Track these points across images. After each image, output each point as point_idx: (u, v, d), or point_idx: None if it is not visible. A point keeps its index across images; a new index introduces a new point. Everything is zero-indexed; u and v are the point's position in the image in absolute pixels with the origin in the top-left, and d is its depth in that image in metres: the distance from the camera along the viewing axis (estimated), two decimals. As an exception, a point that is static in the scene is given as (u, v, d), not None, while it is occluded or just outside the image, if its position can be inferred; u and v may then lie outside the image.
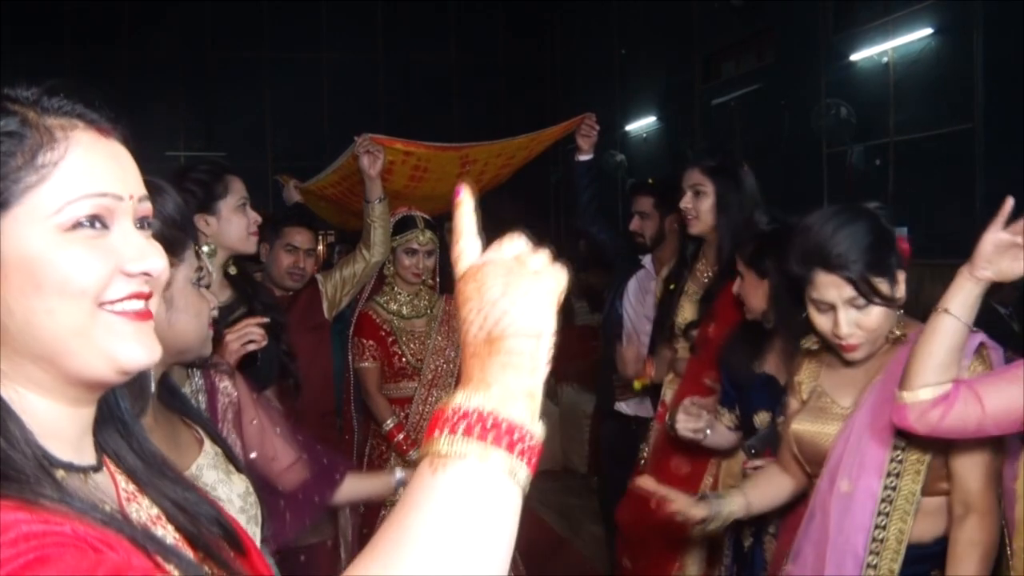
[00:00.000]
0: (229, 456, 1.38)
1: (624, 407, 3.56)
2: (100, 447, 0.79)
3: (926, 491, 1.71)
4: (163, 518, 0.77)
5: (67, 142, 0.71)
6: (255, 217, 2.32)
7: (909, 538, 1.71)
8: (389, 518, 0.64)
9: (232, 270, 2.41)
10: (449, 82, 10.67)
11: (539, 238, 0.74)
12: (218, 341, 1.92)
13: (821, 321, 1.76)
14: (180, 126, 9.26)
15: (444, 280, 3.41)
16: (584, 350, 5.82)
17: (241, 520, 1.30)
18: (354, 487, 2.01)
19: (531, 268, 0.70)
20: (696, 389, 2.68)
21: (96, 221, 0.71)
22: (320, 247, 9.47)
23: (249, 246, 2.34)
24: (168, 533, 0.76)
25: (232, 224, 2.27)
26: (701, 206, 2.70)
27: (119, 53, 9.18)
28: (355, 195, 3.30)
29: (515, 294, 0.68)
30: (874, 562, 1.71)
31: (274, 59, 9.77)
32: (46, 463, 0.67)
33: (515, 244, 0.72)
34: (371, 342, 3.16)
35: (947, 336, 1.54)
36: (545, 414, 0.69)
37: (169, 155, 8.96)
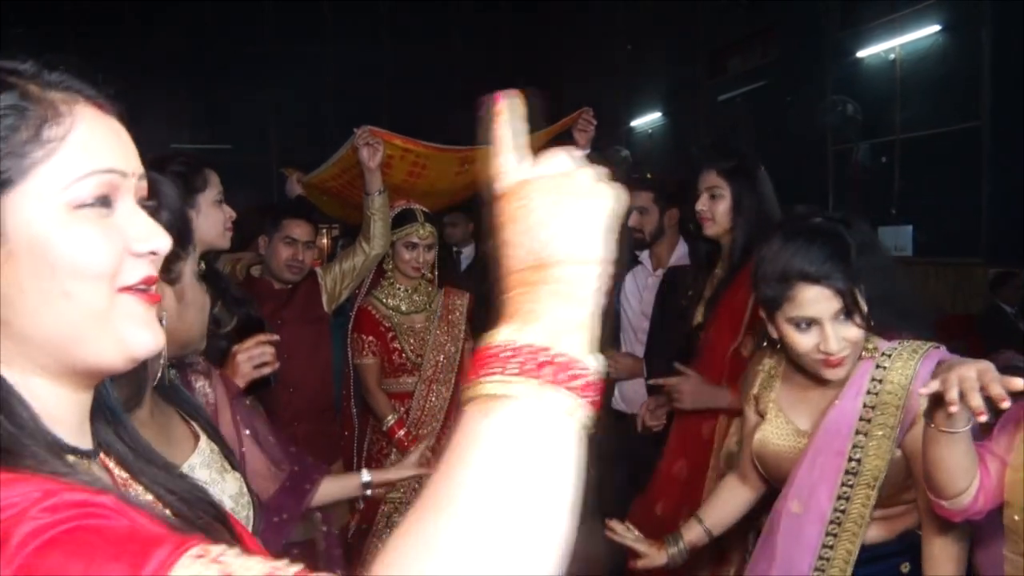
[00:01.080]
0: (226, 454, 1.37)
1: (622, 405, 3.55)
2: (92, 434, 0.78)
3: (884, 504, 1.69)
4: (159, 504, 0.76)
5: (71, 117, 0.68)
6: (230, 213, 2.24)
7: (872, 541, 1.69)
8: (436, 473, 0.56)
9: (200, 265, 2.36)
10: (453, 77, 10.64)
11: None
12: (220, 351, 1.88)
13: (802, 340, 1.66)
14: (186, 119, 9.27)
15: (443, 274, 3.40)
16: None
17: None
18: (322, 490, 1.93)
19: (583, 186, 0.63)
20: None
21: (103, 199, 0.69)
22: (324, 241, 9.50)
23: (224, 241, 2.26)
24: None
25: (209, 219, 2.18)
26: (717, 208, 2.67)
27: (123, 45, 9.18)
28: (356, 188, 3.29)
29: (566, 215, 0.62)
30: (823, 567, 1.70)
31: (279, 53, 9.76)
32: (56, 448, 0.65)
33: (561, 159, 0.65)
34: (371, 338, 3.15)
35: (960, 447, 1.49)
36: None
37: (175, 147, 8.96)
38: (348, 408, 3.31)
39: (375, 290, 3.24)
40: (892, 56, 6.08)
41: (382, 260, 3.19)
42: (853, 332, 1.63)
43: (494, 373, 0.58)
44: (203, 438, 1.35)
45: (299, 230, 3.00)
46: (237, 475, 1.37)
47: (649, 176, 3.87)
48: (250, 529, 1.32)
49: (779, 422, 1.83)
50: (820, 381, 1.73)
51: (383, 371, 3.18)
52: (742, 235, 2.62)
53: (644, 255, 3.53)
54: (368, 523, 3.18)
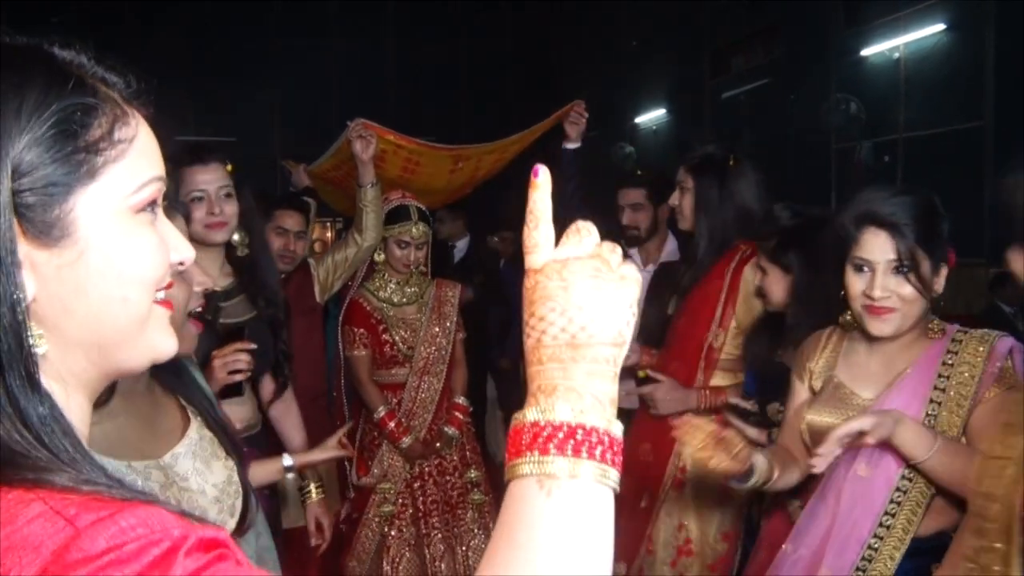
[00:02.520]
0: (223, 441, 1.36)
1: None
2: None
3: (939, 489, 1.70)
4: None
5: (135, 120, 0.69)
6: (212, 210, 2.22)
7: (917, 533, 1.71)
8: (501, 542, 0.62)
9: (242, 251, 2.36)
10: (458, 73, 10.65)
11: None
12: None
13: (856, 281, 1.75)
14: (190, 112, 9.26)
15: (436, 267, 3.42)
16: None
17: (213, 511, 1.28)
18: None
19: (618, 272, 0.67)
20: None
21: (153, 206, 0.69)
22: (328, 235, 9.52)
23: (209, 237, 2.26)
24: None
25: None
26: (684, 203, 2.71)
27: (128, 37, 9.18)
28: (354, 179, 3.31)
29: (603, 300, 0.65)
30: (876, 545, 1.71)
31: (283, 47, 9.75)
32: (93, 461, 0.64)
33: (592, 239, 0.68)
34: (361, 330, 3.15)
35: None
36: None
37: (179, 140, 8.92)
38: (340, 399, 3.33)
39: (367, 282, 3.25)
40: (896, 55, 6.08)
41: (373, 253, 3.20)
42: (905, 289, 1.70)
43: (548, 452, 0.62)
44: (194, 427, 1.33)
45: (290, 220, 3.03)
46: (231, 463, 1.36)
47: (640, 173, 3.88)
48: (235, 518, 1.32)
49: (840, 394, 1.85)
50: (884, 353, 1.79)
51: (375, 363, 3.20)
52: (706, 229, 2.65)
53: (634, 252, 3.54)
54: (359, 511, 3.20)
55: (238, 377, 1.98)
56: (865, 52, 6.33)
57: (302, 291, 3.02)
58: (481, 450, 3.49)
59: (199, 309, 1.50)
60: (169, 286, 0.72)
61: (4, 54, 0.63)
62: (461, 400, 3.30)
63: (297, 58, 9.68)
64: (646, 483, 2.66)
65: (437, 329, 3.23)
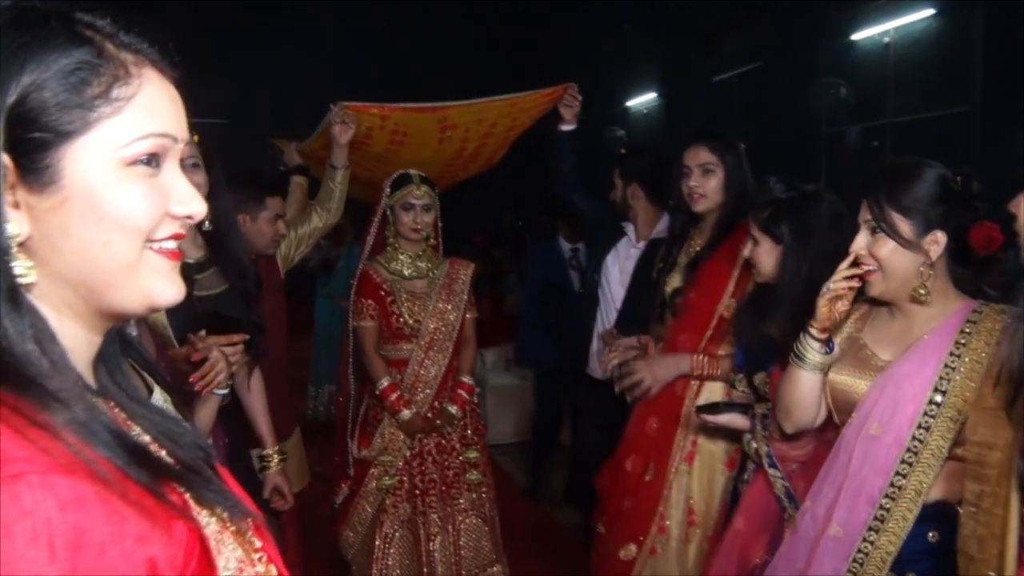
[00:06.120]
0: (178, 407, 1.39)
1: (598, 372, 3.61)
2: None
3: (950, 452, 1.74)
4: (155, 445, 0.80)
5: (140, 79, 0.74)
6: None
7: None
8: None
9: (207, 225, 2.38)
10: (447, 55, 10.59)
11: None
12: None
13: (853, 242, 1.86)
14: (183, 92, 9.21)
15: (447, 241, 3.44)
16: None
17: None
18: None
19: None
20: (674, 351, 2.73)
21: (153, 159, 0.75)
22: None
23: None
24: (164, 457, 0.79)
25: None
26: (709, 184, 2.74)
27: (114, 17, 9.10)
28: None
29: None
30: (888, 506, 1.75)
31: (271, 26, 9.70)
32: (80, 386, 0.70)
33: None
34: (370, 301, 3.18)
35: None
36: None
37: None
38: (345, 373, 3.35)
39: (379, 256, 3.27)
40: (886, 39, 6.09)
41: (383, 228, 3.23)
42: (879, 250, 1.80)
43: None
44: (157, 390, 1.37)
45: (280, 206, 3.05)
46: (191, 425, 1.40)
47: (623, 152, 3.95)
48: None
49: (862, 355, 1.91)
50: (906, 318, 1.86)
51: (382, 337, 3.22)
52: (732, 208, 2.70)
53: (629, 227, 3.59)
54: (357, 485, 3.22)
55: (224, 374, 1.97)
56: (855, 36, 6.34)
57: (269, 269, 3.06)
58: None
59: None
60: (179, 236, 0.77)
61: (20, 14, 0.70)
62: (467, 379, 3.31)
63: (285, 38, 9.63)
64: (655, 458, 2.71)
65: (446, 305, 3.23)
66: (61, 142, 0.70)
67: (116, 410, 0.80)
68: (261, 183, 2.99)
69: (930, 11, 5.70)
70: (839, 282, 1.83)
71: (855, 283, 1.84)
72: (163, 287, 0.77)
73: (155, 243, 0.76)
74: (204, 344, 1.94)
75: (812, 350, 1.89)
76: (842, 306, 1.84)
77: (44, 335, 0.69)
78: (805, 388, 1.93)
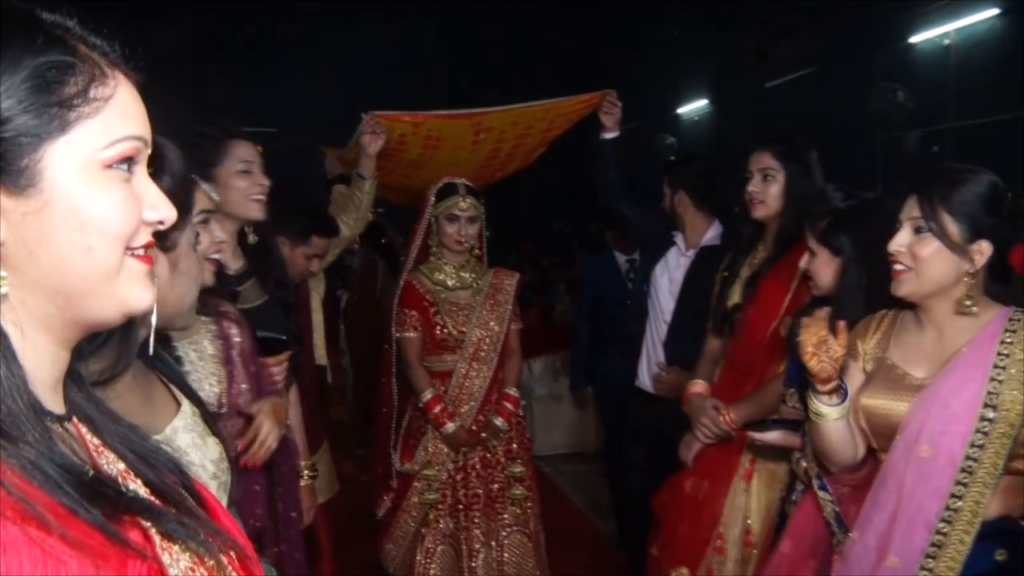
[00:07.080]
0: (207, 420, 1.37)
1: (647, 385, 3.53)
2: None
3: (1006, 467, 1.68)
4: (130, 473, 0.76)
5: (115, 80, 0.72)
6: (261, 181, 2.29)
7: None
8: None
9: (251, 239, 2.40)
10: (497, 61, 10.58)
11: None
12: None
13: (892, 239, 1.80)
14: (227, 106, 9.34)
15: (492, 251, 3.41)
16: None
17: (212, 487, 1.29)
18: None
19: None
20: (733, 371, 2.65)
21: (128, 163, 0.72)
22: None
23: (252, 211, 2.32)
24: (138, 487, 0.76)
25: (230, 190, 2.23)
26: (769, 190, 2.68)
27: (170, 27, 9.27)
28: (383, 171, 3.31)
29: None
30: (945, 530, 1.68)
31: (318, 35, 9.81)
32: (37, 412, 0.66)
33: None
34: (414, 312, 3.16)
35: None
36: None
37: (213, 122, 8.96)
38: (388, 385, 3.34)
39: (422, 266, 3.26)
40: (947, 41, 5.92)
41: (427, 237, 3.23)
42: (922, 249, 1.73)
43: None
44: (185, 403, 1.35)
45: (323, 247, 3.04)
46: (218, 440, 1.38)
47: (672, 159, 3.92)
48: (228, 495, 1.33)
49: (893, 375, 1.84)
50: (937, 331, 1.80)
51: (425, 348, 3.19)
52: (792, 217, 2.61)
53: (679, 237, 3.52)
54: (400, 498, 3.18)
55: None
56: (913, 39, 6.17)
57: (299, 286, 3.06)
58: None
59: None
60: (149, 245, 0.75)
61: None
62: (512, 391, 3.25)
63: (334, 47, 9.73)
64: (715, 479, 2.65)
65: (490, 316, 3.20)
66: (39, 143, 0.67)
67: (88, 435, 0.77)
68: (316, 222, 2.98)
69: (994, 11, 5.52)
70: (808, 336, 1.79)
71: (823, 330, 1.78)
72: (139, 293, 0.74)
73: (133, 250, 0.73)
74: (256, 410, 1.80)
75: (825, 406, 1.83)
76: (834, 352, 1.76)
77: (3, 356, 0.66)
78: (834, 436, 1.87)
